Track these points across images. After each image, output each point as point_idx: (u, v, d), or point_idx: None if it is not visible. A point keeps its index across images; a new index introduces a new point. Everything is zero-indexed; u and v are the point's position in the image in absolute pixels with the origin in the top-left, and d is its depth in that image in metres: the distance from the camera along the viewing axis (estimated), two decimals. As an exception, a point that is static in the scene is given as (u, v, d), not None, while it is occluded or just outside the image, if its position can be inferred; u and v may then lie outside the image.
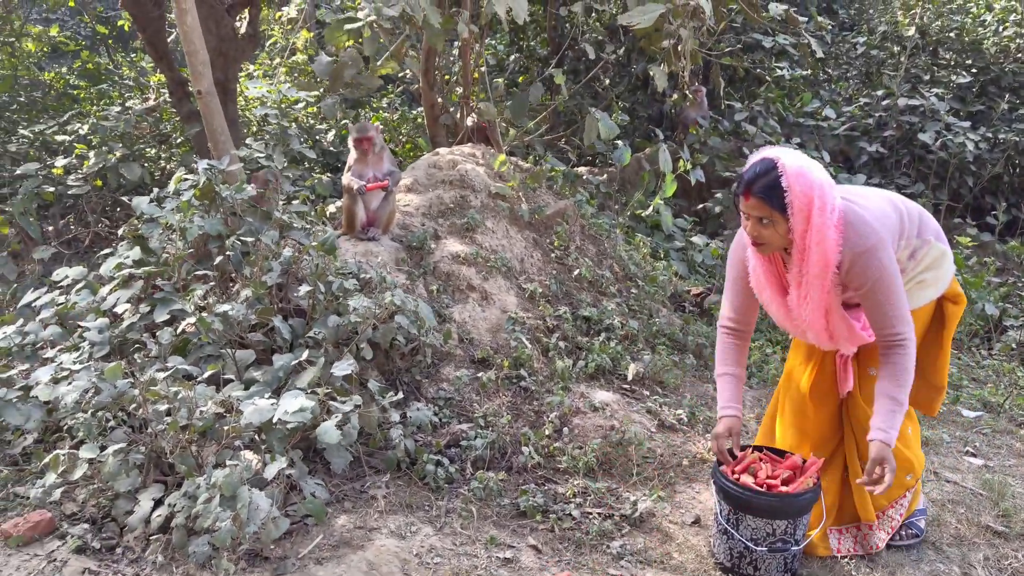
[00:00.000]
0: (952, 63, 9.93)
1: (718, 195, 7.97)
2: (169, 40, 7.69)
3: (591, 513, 3.19)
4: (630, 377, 4.31)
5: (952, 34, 9.83)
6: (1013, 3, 9.77)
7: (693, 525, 3.20)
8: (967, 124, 9.00)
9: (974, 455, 4.26)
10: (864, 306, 2.58)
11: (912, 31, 9.67)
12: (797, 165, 2.45)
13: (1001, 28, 9.81)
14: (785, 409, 3.09)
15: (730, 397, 2.86)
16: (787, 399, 3.08)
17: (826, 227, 2.43)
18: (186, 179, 3.98)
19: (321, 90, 7.48)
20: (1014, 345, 6.05)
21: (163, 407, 2.86)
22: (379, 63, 5.33)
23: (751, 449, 3.01)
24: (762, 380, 4.94)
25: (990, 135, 9.12)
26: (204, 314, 3.27)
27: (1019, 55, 9.75)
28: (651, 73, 5.88)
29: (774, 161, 2.46)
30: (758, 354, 5.16)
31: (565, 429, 3.73)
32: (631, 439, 3.62)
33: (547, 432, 3.65)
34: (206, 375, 3.19)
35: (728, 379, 2.89)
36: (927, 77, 9.77)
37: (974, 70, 9.78)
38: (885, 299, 2.51)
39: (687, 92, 7.82)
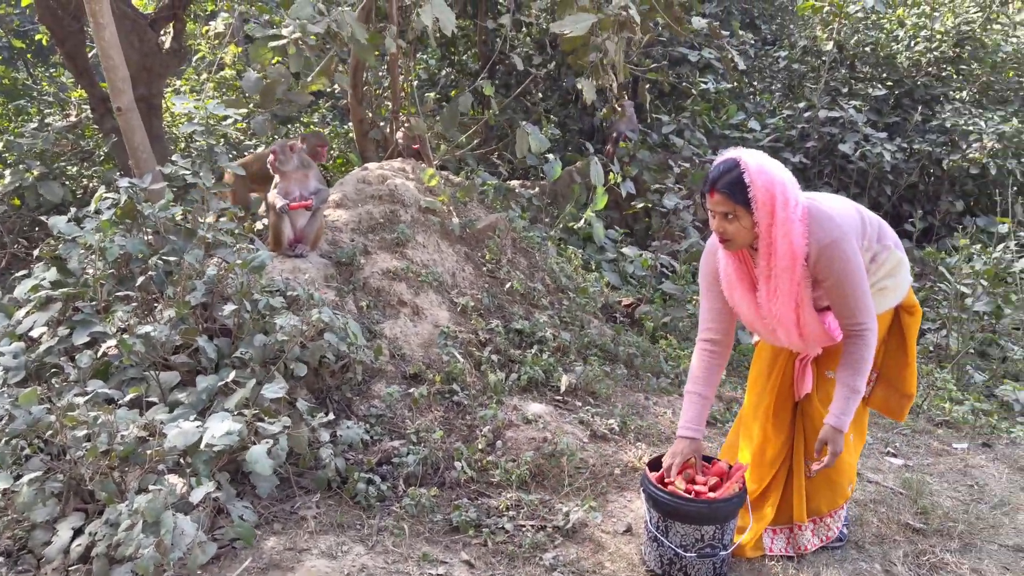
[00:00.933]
0: (868, 76, 10.32)
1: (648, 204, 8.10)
2: (90, 55, 7.49)
3: (524, 526, 3.20)
4: (563, 389, 4.34)
5: (868, 49, 10.22)
6: (923, 20, 10.19)
7: (625, 534, 3.24)
8: (884, 135, 9.36)
9: (895, 455, 4.41)
10: (830, 298, 2.67)
11: (830, 46, 10.01)
12: (758, 163, 2.56)
13: (913, 43, 10.23)
14: (745, 414, 3.17)
15: (692, 418, 2.88)
16: (747, 404, 3.16)
17: (791, 221, 2.53)
18: (107, 198, 3.88)
19: (251, 106, 7.39)
20: (932, 347, 6.29)
21: (82, 433, 2.78)
22: (309, 79, 5.29)
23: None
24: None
25: (905, 145, 9.50)
26: (126, 336, 3.19)
27: (930, 69, 10.17)
28: (579, 86, 5.96)
29: (736, 160, 2.57)
30: (688, 362, 5.24)
31: (498, 442, 3.73)
32: (563, 450, 3.64)
33: (480, 446, 3.66)
34: (128, 398, 3.10)
35: (694, 398, 2.90)
36: (845, 90, 10.12)
37: (889, 83, 10.18)
38: (851, 290, 2.61)
39: (616, 106, 7.96)
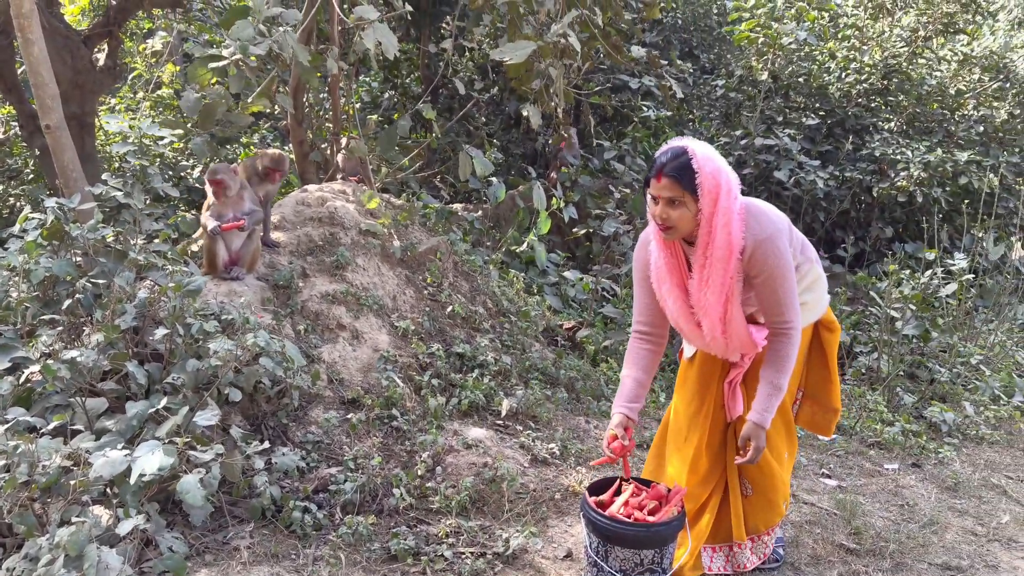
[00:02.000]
0: (802, 106, 10.62)
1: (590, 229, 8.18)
2: (19, 71, 7.28)
3: (464, 553, 3.17)
4: (503, 413, 4.33)
5: (801, 79, 10.52)
6: (853, 53, 10.55)
7: (565, 559, 3.22)
8: (817, 163, 9.63)
9: (829, 476, 4.49)
10: (759, 295, 2.69)
11: (765, 76, 10.29)
12: (706, 152, 2.59)
13: (843, 75, 10.57)
14: (673, 439, 3.15)
15: (628, 397, 2.89)
16: (674, 431, 3.14)
17: (731, 211, 2.57)
18: (32, 218, 3.76)
19: (189, 125, 7.25)
20: (864, 370, 6.44)
21: (1, 463, 2.66)
22: (250, 100, 5.21)
23: (619, 480, 3.06)
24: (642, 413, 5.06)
25: (837, 173, 9.79)
26: (50, 361, 3.08)
27: (860, 100, 10.52)
28: (524, 112, 6.00)
29: (684, 148, 2.59)
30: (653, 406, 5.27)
31: (438, 468, 3.69)
32: (504, 475, 3.62)
33: (419, 472, 3.61)
34: (52, 426, 2.99)
35: (629, 380, 2.91)
36: (780, 119, 10.39)
37: (822, 113, 10.49)
38: (780, 286, 2.64)
39: (562, 132, 8.04)
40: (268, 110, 9.43)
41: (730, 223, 2.58)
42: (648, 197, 2.66)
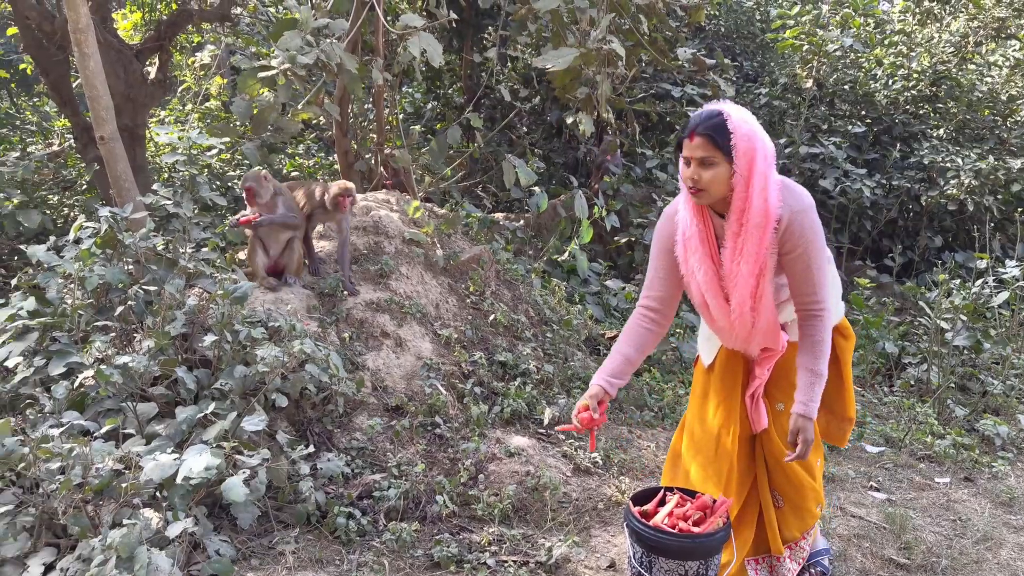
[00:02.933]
0: (848, 114, 10.47)
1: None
2: (74, 84, 7.49)
3: (506, 561, 3.16)
4: (546, 421, 4.32)
5: (846, 87, 10.37)
6: (900, 59, 10.38)
7: (608, 569, 3.20)
8: (863, 171, 9.48)
9: (877, 489, 4.41)
10: (791, 272, 2.58)
11: (810, 83, 10.17)
12: (741, 114, 2.49)
13: (891, 82, 10.41)
14: (699, 452, 3.08)
15: (612, 371, 2.75)
16: (700, 442, 3.07)
17: (768, 177, 2.46)
18: (87, 226, 3.85)
19: (240, 134, 7.39)
20: (912, 382, 6.31)
21: (56, 465, 2.73)
22: (299, 107, 5.30)
23: (663, 491, 3.03)
24: (675, 421, 5.02)
25: (884, 182, 9.63)
26: (103, 366, 3.15)
27: (908, 107, 10.34)
28: (570, 120, 6.00)
29: (719, 110, 2.49)
30: (671, 394, 5.24)
31: (480, 476, 3.70)
32: (546, 484, 3.61)
33: (462, 479, 3.62)
34: (104, 430, 3.06)
35: (619, 356, 2.77)
36: (825, 126, 10.26)
37: (868, 120, 10.33)
38: (813, 263, 2.53)
39: (614, 140, 8.02)
40: (314, 120, 9.58)
41: (767, 189, 2.46)
42: (680, 161, 2.55)
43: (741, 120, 2.47)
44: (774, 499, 2.99)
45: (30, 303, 3.61)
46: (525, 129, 10.36)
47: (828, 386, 2.85)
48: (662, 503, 2.94)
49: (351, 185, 4.50)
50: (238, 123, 5.94)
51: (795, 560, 3.08)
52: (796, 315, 2.67)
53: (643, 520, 2.82)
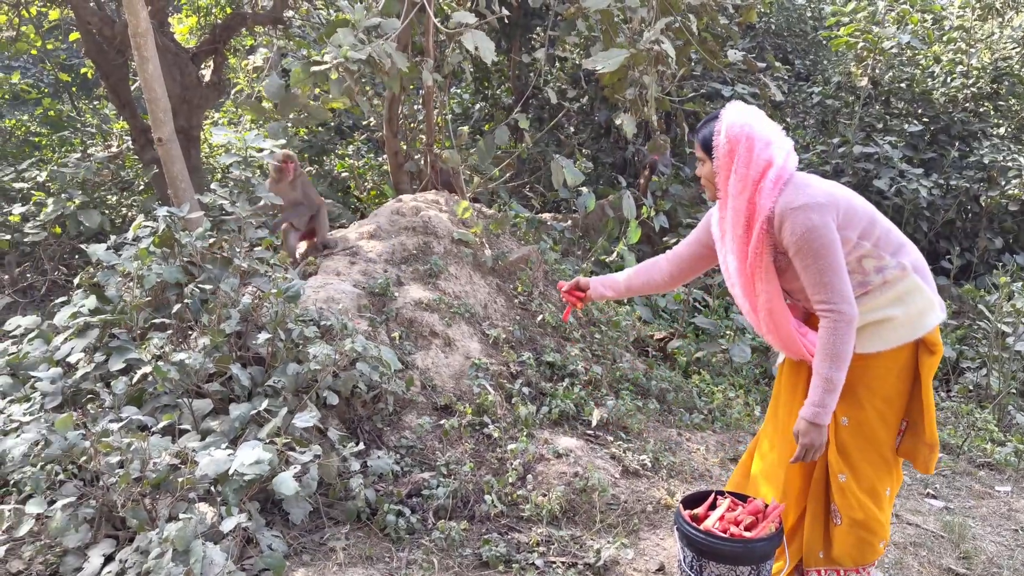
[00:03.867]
0: (904, 112, 10.24)
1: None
2: (132, 88, 7.68)
3: (555, 562, 3.15)
4: (594, 423, 4.30)
5: (903, 85, 10.15)
6: (959, 56, 10.12)
7: (657, 572, 3.17)
8: (920, 171, 9.26)
9: (935, 497, 4.30)
10: (800, 273, 2.52)
11: (865, 82, 9.96)
12: (735, 118, 2.56)
13: (949, 79, 10.15)
14: (763, 455, 3.00)
15: (605, 278, 3.08)
16: (767, 443, 3.00)
17: (748, 177, 2.51)
18: (145, 226, 3.94)
19: (272, 114, 7.46)
20: (971, 387, 6.15)
21: (115, 459, 2.79)
22: (331, 96, 5.33)
23: (715, 494, 2.99)
24: (725, 424, 4.96)
25: (942, 182, 9.39)
26: (160, 363, 3.22)
27: (967, 105, 10.07)
28: (617, 121, 5.97)
29: (720, 112, 2.63)
30: (720, 397, 5.18)
31: (528, 476, 3.69)
32: (595, 486, 3.59)
33: (510, 480, 3.62)
34: (161, 425, 3.12)
35: (620, 274, 3.09)
36: (880, 126, 10.04)
37: (925, 119, 10.09)
38: (814, 262, 2.45)
39: (659, 140, 7.96)
40: (365, 121, 9.67)
41: (745, 190, 2.51)
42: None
43: (731, 123, 2.55)
44: (833, 515, 2.86)
45: (91, 301, 3.70)
46: (573, 129, 10.33)
47: (914, 405, 2.69)
48: (713, 507, 2.91)
49: (290, 152, 5.03)
50: (269, 104, 6.07)
51: None
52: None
53: (694, 524, 2.79)
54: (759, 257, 2.56)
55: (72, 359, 3.51)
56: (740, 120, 2.55)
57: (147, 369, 3.27)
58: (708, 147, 2.61)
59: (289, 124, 6.20)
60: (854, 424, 2.67)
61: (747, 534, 2.75)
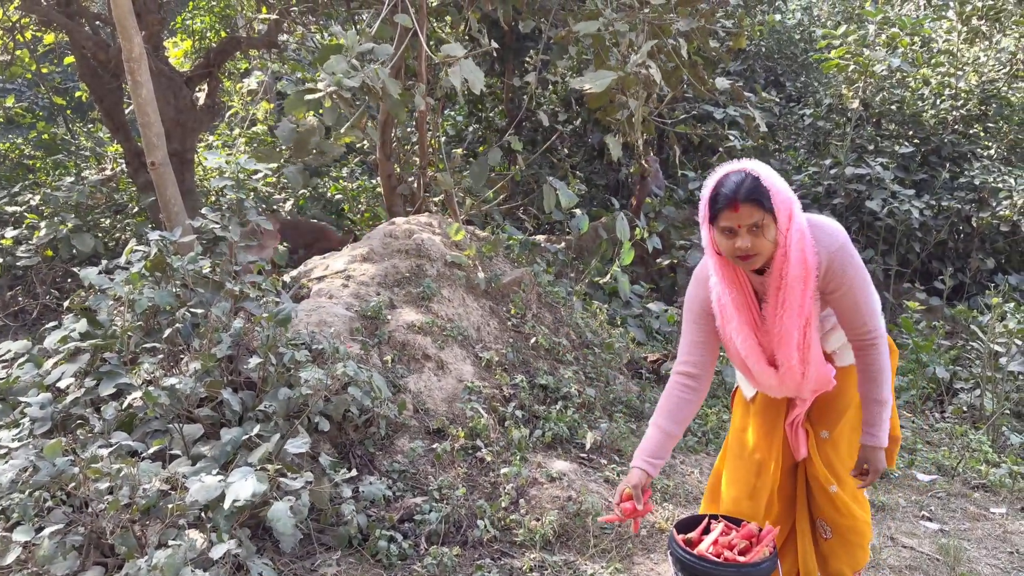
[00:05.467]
0: (895, 134, 10.31)
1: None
2: (127, 111, 7.70)
3: (548, 588, 3.13)
4: (587, 446, 4.28)
5: (894, 107, 10.23)
6: (948, 79, 10.21)
7: (651, 598, 3.15)
8: (911, 192, 9.31)
9: (930, 519, 4.28)
10: (839, 309, 2.53)
11: (856, 104, 10.04)
12: (766, 170, 2.43)
13: (938, 101, 10.23)
14: (737, 483, 3.00)
15: (652, 451, 2.67)
16: (739, 474, 3.00)
17: (803, 226, 2.42)
18: (137, 250, 3.94)
19: (283, 160, 7.54)
20: (965, 408, 6.15)
21: (104, 485, 2.77)
22: (342, 131, 5.38)
23: (708, 519, 2.98)
24: (719, 447, 4.94)
25: (934, 203, 9.45)
26: (151, 388, 3.20)
27: (956, 127, 10.15)
28: (606, 143, 6.01)
29: (745, 170, 2.42)
30: (714, 419, 5.17)
31: (522, 500, 3.67)
32: (588, 510, 3.58)
33: (503, 504, 3.60)
34: (151, 451, 3.10)
35: (658, 432, 2.67)
36: (872, 147, 10.11)
37: (916, 141, 10.16)
38: (859, 295, 2.48)
39: (644, 163, 8.01)
40: (358, 144, 9.71)
41: (804, 238, 2.41)
42: (714, 233, 2.47)
43: (769, 174, 2.42)
44: (821, 530, 2.91)
45: (82, 325, 3.69)
46: (566, 151, 10.39)
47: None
48: (706, 531, 2.89)
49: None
50: (282, 147, 6.05)
51: None
52: (851, 347, 2.60)
53: (688, 548, 2.78)
54: (814, 306, 2.50)
55: (62, 384, 3.49)
56: (770, 172, 2.43)
57: (138, 394, 3.25)
58: (767, 206, 2.37)
59: (304, 166, 6.23)
60: (835, 436, 2.74)
61: (741, 558, 2.74)
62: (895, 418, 2.84)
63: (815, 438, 2.83)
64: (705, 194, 2.46)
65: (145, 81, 4.39)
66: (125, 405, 3.32)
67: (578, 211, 7.70)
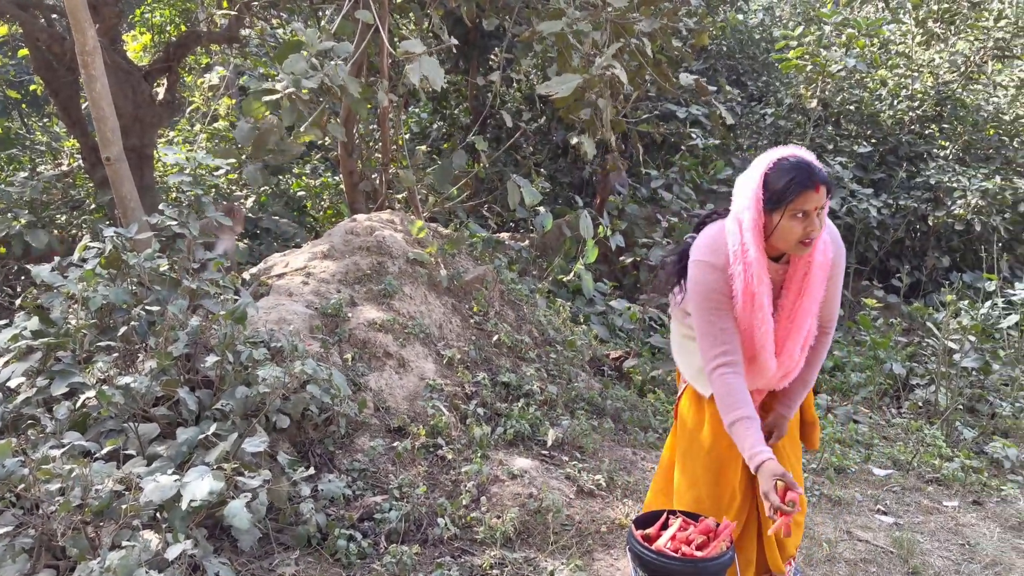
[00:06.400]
0: (853, 134, 10.48)
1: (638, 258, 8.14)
2: (83, 105, 7.55)
3: (508, 585, 3.13)
4: (549, 443, 4.30)
5: (852, 107, 10.39)
6: (904, 80, 10.39)
7: (611, 593, 3.17)
8: (870, 191, 9.47)
9: (885, 513, 4.36)
10: (825, 298, 2.60)
11: (815, 104, 10.18)
12: (809, 153, 2.47)
13: (895, 102, 10.42)
14: (696, 485, 3.03)
15: (761, 438, 2.56)
16: (698, 473, 3.02)
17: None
18: (92, 247, 3.86)
19: (244, 156, 7.45)
20: (920, 403, 6.27)
21: (56, 486, 2.71)
22: (302, 129, 5.33)
23: (666, 514, 3.00)
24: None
25: (891, 202, 9.62)
26: (105, 387, 3.14)
27: (913, 127, 10.34)
28: (574, 142, 6.02)
29: (798, 154, 2.42)
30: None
31: (483, 498, 3.67)
32: (549, 507, 3.59)
33: (464, 502, 3.59)
34: (105, 451, 3.05)
35: (749, 423, 2.56)
36: (831, 147, 10.26)
37: (874, 140, 10.34)
38: (841, 286, 2.64)
39: (615, 160, 8.03)
40: (320, 141, 9.64)
41: (827, 227, 2.52)
42: (778, 218, 2.40)
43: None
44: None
45: (33, 323, 3.61)
46: (531, 149, 10.40)
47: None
48: (665, 526, 2.91)
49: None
50: (240, 146, 5.97)
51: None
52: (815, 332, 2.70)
53: (646, 544, 2.80)
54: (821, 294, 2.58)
55: (12, 383, 3.41)
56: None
57: (91, 393, 3.19)
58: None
59: (264, 164, 6.15)
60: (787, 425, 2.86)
61: (698, 553, 2.76)
62: (812, 404, 3.03)
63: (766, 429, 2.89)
64: (758, 179, 2.42)
65: (100, 75, 4.31)
66: (78, 405, 3.26)
67: (542, 209, 7.73)
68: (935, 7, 10.43)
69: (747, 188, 2.48)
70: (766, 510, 2.50)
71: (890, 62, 10.73)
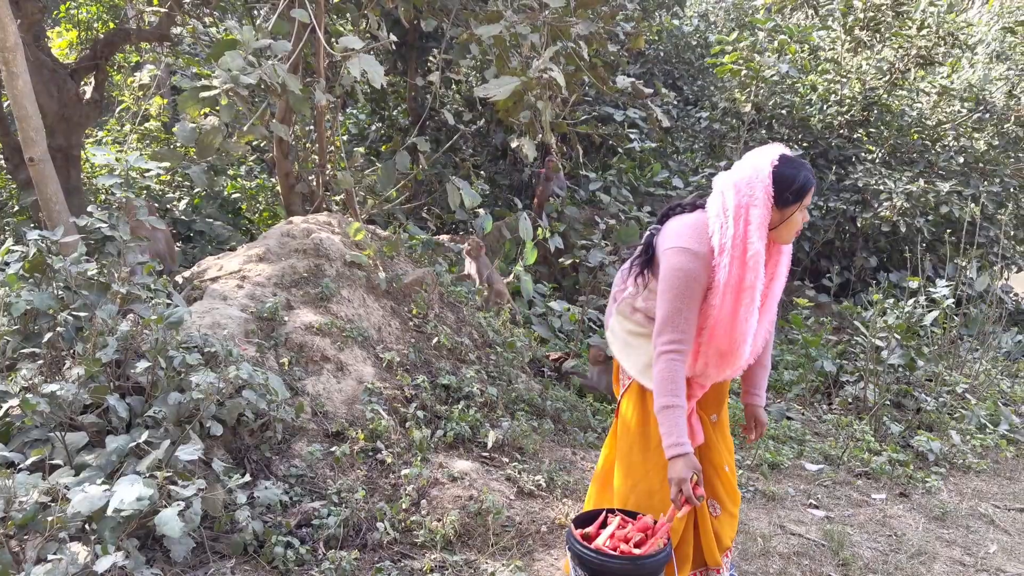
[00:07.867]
0: (786, 137, 10.73)
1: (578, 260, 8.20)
2: (5, 104, 7.29)
3: (448, 587, 3.12)
4: (489, 445, 4.30)
5: (784, 111, 10.64)
6: (834, 85, 10.70)
7: (551, 593, 3.19)
8: (801, 193, 9.70)
9: (816, 507, 4.48)
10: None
11: (749, 108, 10.41)
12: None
13: (825, 107, 10.71)
14: (644, 480, 3.06)
15: (685, 431, 2.63)
16: (643, 469, 3.05)
17: None
18: (14, 250, 3.73)
19: (183, 157, 7.27)
20: (850, 399, 6.45)
21: (-23, 500, 2.61)
22: (245, 129, 5.23)
23: (605, 513, 3.03)
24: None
25: (821, 204, 9.87)
26: (29, 395, 3.04)
27: (842, 131, 10.65)
28: (514, 144, 6.04)
29: (789, 152, 2.69)
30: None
31: (423, 501, 3.66)
32: (489, 508, 3.59)
33: (404, 505, 3.57)
34: (30, 461, 2.94)
35: (679, 412, 2.62)
36: (764, 150, 10.48)
37: (805, 144, 10.61)
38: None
39: (556, 161, 8.07)
40: (256, 142, 9.48)
41: None
42: (797, 213, 2.64)
43: None
44: (711, 508, 3.01)
45: (-48, 330, 3.47)
46: (470, 151, 10.40)
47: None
48: (604, 525, 2.94)
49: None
50: (180, 146, 5.83)
51: (727, 569, 3.11)
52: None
53: (585, 543, 2.82)
54: None
55: (-70, 393, 3.27)
56: None
57: (14, 402, 3.08)
58: None
59: (208, 166, 6.03)
60: (722, 418, 3.02)
61: (636, 551, 2.80)
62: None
63: (707, 423, 2.98)
64: (767, 176, 2.56)
65: (21, 73, 4.17)
66: (1, 414, 3.14)
67: (482, 211, 7.74)
68: (862, 15, 10.75)
69: (752, 185, 2.57)
70: (671, 495, 2.62)
71: (820, 68, 11.03)
